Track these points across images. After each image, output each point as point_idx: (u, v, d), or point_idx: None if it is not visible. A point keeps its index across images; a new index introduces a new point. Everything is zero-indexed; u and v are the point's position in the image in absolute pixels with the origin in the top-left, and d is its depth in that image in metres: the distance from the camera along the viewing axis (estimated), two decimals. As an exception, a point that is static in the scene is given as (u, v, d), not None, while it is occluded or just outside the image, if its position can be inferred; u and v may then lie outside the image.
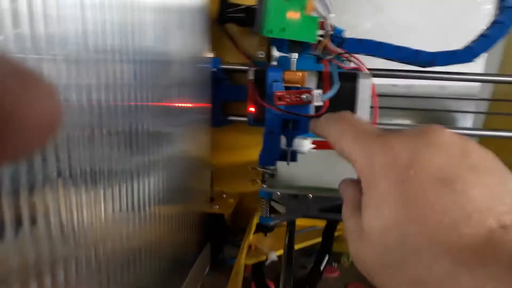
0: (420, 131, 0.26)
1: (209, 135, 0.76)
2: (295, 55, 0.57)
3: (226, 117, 0.81)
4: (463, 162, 0.24)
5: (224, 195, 0.86)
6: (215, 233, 0.82)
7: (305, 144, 0.60)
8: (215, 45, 0.76)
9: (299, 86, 0.56)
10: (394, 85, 1.54)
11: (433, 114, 1.12)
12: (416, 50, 0.67)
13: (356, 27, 1.42)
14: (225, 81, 0.77)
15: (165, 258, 0.57)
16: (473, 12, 1.20)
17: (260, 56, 0.77)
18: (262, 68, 0.61)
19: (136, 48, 0.43)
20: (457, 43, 1.20)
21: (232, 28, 0.73)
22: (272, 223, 0.67)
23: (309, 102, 0.54)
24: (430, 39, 1.39)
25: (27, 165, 0.26)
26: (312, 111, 0.55)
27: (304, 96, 0.54)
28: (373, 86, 0.61)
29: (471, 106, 1.04)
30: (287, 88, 0.55)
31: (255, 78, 0.58)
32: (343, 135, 0.31)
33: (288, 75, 0.56)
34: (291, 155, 0.60)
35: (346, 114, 0.35)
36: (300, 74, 0.56)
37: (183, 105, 0.60)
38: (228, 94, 0.78)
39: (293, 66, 0.57)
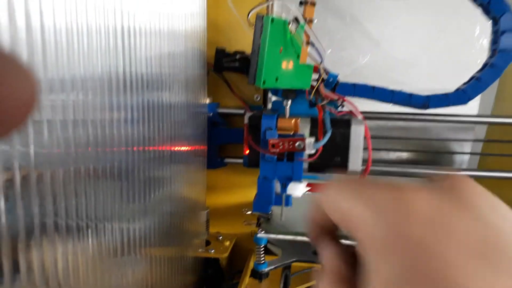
0: (446, 184, 0.20)
1: (204, 177, 0.77)
2: (288, 102, 0.59)
3: (222, 159, 0.81)
4: (503, 230, 0.18)
5: (220, 237, 0.85)
6: (210, 276, 0.82)
7: (299, 188, 0.61)
8: (213, 90, 0.78)
9: (293, 133, 0.58)
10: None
11: (431, 143, 1.14)
12: (410, 94, 0.68)
13: (355, 62, 1.45)
14: (222, 125, 0.79)
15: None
16: (470, 46, 1.22)
17: (256, 99, 0.79)
18: (258, 113, 0.62)
19: (133, 94, 0.45)
20: (454, 77, 1.23)
21: (229, 73, 0.75)
22: (266, 269, 0.67)
23: (302, 149, 0.55)
24: (428, 73, 1.42)
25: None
26: (305, 156, 0.57)
27: (297, 144, 0.55)
28: (366, 128, 0.62)
29: (469, 135, 1.06)
30: (281, 135, 0.57)
31: (250, 123, 0.59)
32: (340, 191, 0.22)
33: (281, 123, 0.58)
34: (286, 200, 0.61)
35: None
36: (293, 121, 0.58)
37: (178, 148, 0.61)
38: (225, 137, 0.79)
39: (287, 112, 0.59)
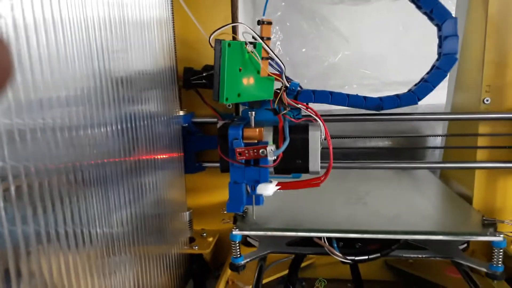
0: None
1: (183, 181, 0.85)
2: (253, 113, 0.65)
3: (200, 164, 0.88)
4: None
5: (205, 234, 0.93)
6: (196, 270, 0.89)
7: (269, 188, 0.68)
8: (188, 100, 0.85)
9: (257, 141, 0.64)
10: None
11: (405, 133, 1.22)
12: (365, 97, 0.75)
13: (327, 60, 1.51)
14: (197, 133, 0.86)
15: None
16: (435, 40, 1.29)
17: (229, 107, 0.86)
18: (226, 124, 0.69)
19: (111, 110, 0.52)
20: (421, 69, 1.30)
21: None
22: (243, 262, 0.74)
23: (265, 155, 0.62)
24: (396, 66, 1.49)
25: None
26: (270, 162, 0.63)
27: (261, 151, 0.62)
28: (326, 129, 0.69)
29: (439, 125, 1.13)
30: (247, 143, 0.63)
31: (219, 133, 0.66)
32: None
33: (247, 132, 0.64)
34: (256, 199, 0.68)
35: None
36: (257, 130, 0.64)
37: (156, 157, 0.69)
38: (201, 144, 0.86)
39: (252, 122, 0.65)
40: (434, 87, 0.73)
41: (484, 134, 0.82)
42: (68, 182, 0.42)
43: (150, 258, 0.67)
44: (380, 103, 0.74)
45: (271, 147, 0.61)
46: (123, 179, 0.57)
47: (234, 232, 0.73)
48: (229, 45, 0.58)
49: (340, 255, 0.71)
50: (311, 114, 0.70)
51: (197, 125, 0.87)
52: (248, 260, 0.75)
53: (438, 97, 1.01)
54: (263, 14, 0.66)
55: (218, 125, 0.76)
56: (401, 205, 0.83)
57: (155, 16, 0.69)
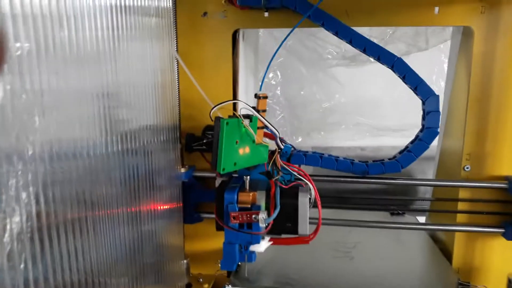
0: None
1: (181, 231, 0.90)
2: (247, 177, 0.71)
3: (199, 214, 0.94)
4: None
5: (201, 279, 0.98)
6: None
7: (261, 245, 0.73)
8: (191, 156, 0.91)
9: (251, 205, 0.70)
10: (362, 149, 1.69)
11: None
12: (352, 161, 0.81)
13: (321, 102, 1.58)
14: (197, 186, 0.92)
15: None
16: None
17: None
18: (225, 180, 0.75)
19: (116, 164, 0.59)
20: (416, 115, 1.35)
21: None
22: None
23: (258, 221, 0.67)
24: (392, 111, 1.55)
25: None
26: (261, 229, 0.69)
27: (253, 216, 0.67)
28: (316, 190, 0.74)
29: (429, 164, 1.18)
30: (241, 208, 0.69)
31: (216, 195, 0.72)
32: None
33: (241, 197, 0.70)
34: (249, 257, 0.73)
35: None
36: (251, 195, 0.70)
37: (155, 207, 0.75)
38: (200, 197, 0.92)
39: (247, 185, 0.71)
40: (417, 157, 0.79)
41: (463, 200, 0.88)
42: (72, 226, 0.47)
43: None
44: (366, 169, 0.80)
45: (263, 215, 0.66)
46: (123, 227, 0.62)
47: None
48: (227, 123, 0.65)
49: None
50: (302, 178, 0.76)
51: (197, 179, 0.93)
52: None
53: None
54: (260, 89, 0.72)
55: (217, 182, 0.82)
56: (385, 261, 0.88)
57: (162, 80, 0.76)
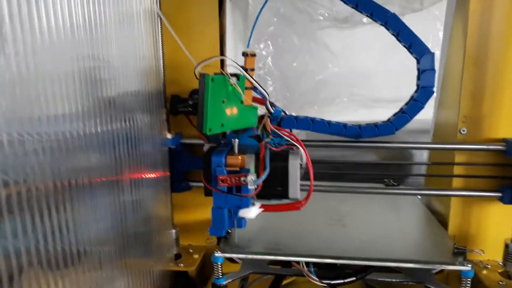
0: None
1: (169, 200, 0.88)
2: (236, 141, 0.68)
3: (188, 183, 0.91)
4: None
5: (191, 250, 0.95)
6: (181, 286, 0.92)
7: (251, 211, 0.70)
8: (177, 121, 0.88)
9: (240, 168, 0.67)
10: (357, 123, 1.66)
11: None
12: (344, 125, 0.78)
13: (317, 74, 1.54)
14: (185, 154, 0.89)
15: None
16: None
17: None
18: (211, 149, 0.72)
19: (99, 131, 0.56)
20: (409, 86, 1.32)
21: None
22: (224, 282, 0.77)
23: (247, 184, 0.65)
24: (384, 83, 1.52)
25: None
26: (250, 191, 0.66)
27: (242, 179, 0.65)
28: (307, 155, 0.72)
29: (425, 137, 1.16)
30: (229, 171, 0.66)
31: (204, 160, 0.69)
32: None
33: (230, 160, 0.67)
34: (238, 223, 0.71)
35: None
36: (240, 158, 0.67)
37: (142, 176, 0.73)
38: (188, 165, 0.89)
39: (235, 149, 0.68)
40: (411, 118, 0.76)
41: (459, 163, 0.86)
42: (55, 198, 0.45)
43: (135, 274, 0.70)
44: (359, 132, 0.77)
45: (251, 177, 0.64)
46: (109, 196, 0.60)
47: (216, 255, 0.76)
48: (212, 80, 0.62)
49: (316, 279, 0.74)
50: (293, 142, 0.73)
51: (185, 146, 0.90)
52: (230, 280, 0.78)
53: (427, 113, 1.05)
54: (247, 46, 0.69)
55: (205, 148, 0.79)
56: (378, 228, 0.86)
57: (145, 40, 0.73)
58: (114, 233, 0.63)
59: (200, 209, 0.97)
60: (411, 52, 0.75)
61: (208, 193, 0.71)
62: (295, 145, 0.72)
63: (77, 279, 0.51)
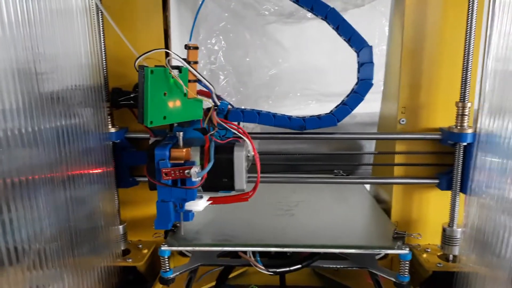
0: None
1: (114, 195, 0.87)
2: (180, 134, 0.68)
3: (134, 178, 0.90)
4: None
5: (140, 245, 0.95)
6: (131, 282, 0.91)
7: (199, 204, 0.71)
8: (122, 116, 0.87)
9: (184, 161, 0.67)
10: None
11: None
12: (289, 117, 0.79)
13: (270, 69, 1.56)
14: (130, 148, 0.88)
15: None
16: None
17: None
18: (159, 139, 0.72)
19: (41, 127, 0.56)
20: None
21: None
22: (172, 275, 0.77)
23: (190, 176, 0.65)
24: (334, 77, 1.55)
25: None
26: (195, 183, 0.67)
27: (186, 172, 0.65)
28: (253, 146, 0.72)
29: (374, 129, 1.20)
30: (174, 164, 0.66)
31: (148, 153, 0.68)
32: None
33: (174, 152, 0.67)
34: (185, 216, 0.71)
35: None
36: (184, 151, 0.67)
37: (83, 171, 0.72)
38: (134, 160, 0.88)
39: (180, 142, 0.68)
40: (352, 109, 0.78)
41: (399, 152, 0.90)
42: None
43: (79, 271, 0.69)
44: (303, 124, 0.79)
45: (195, 169, 0.64)
46: (51, 193, 0.59)
47: (162, 248, 0.76)
48: (151, 72, 0.61)
49: (263, 267, 0.76)
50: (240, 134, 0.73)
51: (131, 140, 0.89)
52: (178, 273, 0.79)
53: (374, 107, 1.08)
54: (190, 40, 0.69)
55: (150, 142, 0.79)
56: (326, 218, 0.88)
57: (80, 31, 0.71)
58: (58, 230, 0.62)
59: (148, 205, 0.96)
60: (351, 46, 0.77)
61: (152, 187, 0.70)
62: (242, 138, 0.73)
63: (20, 277, 0.50)
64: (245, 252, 0.77)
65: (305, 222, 0.85)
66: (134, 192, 0.93)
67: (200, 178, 0.65)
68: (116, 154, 0.86)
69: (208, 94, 0.73)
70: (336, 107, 0.81)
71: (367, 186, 1.11)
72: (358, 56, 0.77)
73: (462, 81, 0.78)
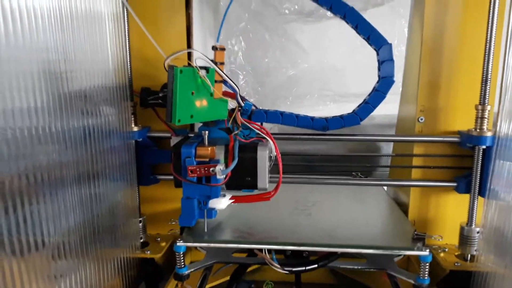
0: None
1: (135, 192, 0.91)
2: (206, 132, 0.71)
3: (155, 176, 0.94)
4: None
5: (159, 239, 0.99)
6: (149, 274, 0.95)
7: (222, 202, 0.73)
8: (145, 114, 0.90)
9: (209, 159, 0.70)
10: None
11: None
12: (312, 118, 0.81)
13: (288, 70, 1.58)
14: (152, 147, 0.92)
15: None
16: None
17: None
18: (181, 141, 0.74)
19: (67, 126, 0.59)
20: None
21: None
22: (186, 272, 0.80)
23: (215, 174, 0.67)
24: (352, 79, 1.57)
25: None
26: (219, 181, 0.69)
27: (211, 169, 0.67)
28: (276, 147, 0.75)
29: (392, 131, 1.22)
30: (199, 162, 0.69)
31: (173, 151, 0.71)
32: None
33: (200, 151, 0.70)
34: (209, 213, 0.74)
35: None
36: (209, 149, 0.70)
37: (107, 168, 0.75)
38: (155, 158, 0.92)
39: (206, 141, 0.71)
40: (374, 107, 0.80)
41: (417, 155, 0.92)
42: (21, 188, 0.48)
43: (100, 261, 0.73)
44: (326, 124, 0.81)
45: (220, 166, 0.67)
46: (75, 188, 0.63)
47: (178, 244, 0.78)
48: (181, 71, 0.64)
49: (279, 266, 0.78)
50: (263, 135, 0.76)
51: (152, 139, 0.92)
52: (192, 270, 0.82)
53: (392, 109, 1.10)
54: (217, 41, 0.72)
55: (172, 142, 0.82)
56: (343, 217, 0.90)
57: (107, 31, 0.74)
58: (82, 223, 0.65)
59: (167, 201, 1.00)
60: (370, 44, 0.79)
61: (178, 184, 0.73)
62: (265, 138, 0.75)
63: (45, 265, 0.54)
64: (260, 250, 0.79)
65: (322, 222, 0.87)
66: (154, 190, 0.96)
67: (224, 176, 0.68)
68: (138, 152, 0.89)
69: (232, 95, 0.75)
70: (358, 106, 0.82)
71: (385, 189, 1.13)
72: (378, 54, 0.79)
73: (482, 83, 0.79)
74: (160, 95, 0.80)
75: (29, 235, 0.50)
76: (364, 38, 0.78)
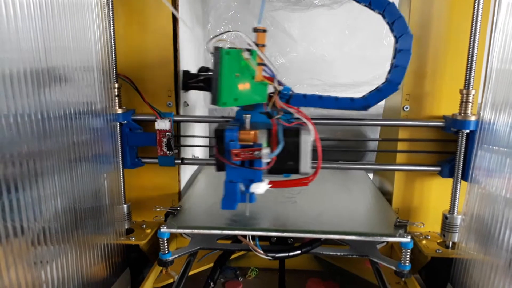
0: None
1: (120, 176, 0.95)
2: (248, 116, 0.74)
3: (140, 159, 0.97)
4: None
5: (144, 225, 1.02)
6: (134, 260, 0.98)
7: (261, 186, 0.76)
8: (130, 98, 0.94)
9: (252, 143, 0.74)
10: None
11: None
12: (351, 98, 0.85)
13: (277, 59, 1.63)
14: (138, 130, 0.95)
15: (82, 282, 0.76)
16: (379, 43, 1.49)
17: (169, 106, 0.97)
18: (221, 125, 0.76)
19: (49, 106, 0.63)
20: (365, 71, 1.45)
21: (143, 82, 0.92)
22: (170, 258, 0.86)
23: (260, 157, 0.72)
24: (343, 68, 1.66)
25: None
26: (264, 164, 0.74)
27: (256, 153, 0.72)
28: (316, 132, 0.78)
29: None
30: (242, 145, 0.73)
31: (216, 135, 0.74)
32: None
33: (242, 135, 0.74)
34: (250, 197, 0.78)
35: None
36: (252, 133, 0.74)
37: (89, 151, 0.78)
38: (141, 141, 0.95)
39: (247, 125, 0.75)
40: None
41: (401, 140, 1.02)
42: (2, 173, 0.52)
43: (84, 247, 0.77)
44: (367, 102, 0.84)
45: (266, 150, 0.72)
46: (56, 173, 0.66)
47: (162, 230, 0.83)
48: (227, 53, 0.69)
49: (262, 252, 0.85)
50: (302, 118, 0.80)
51: (138, 122, 0.95)
52: (176, 256, 0.87)
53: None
54: (259, 22, 0.75)
55: (157, 124, 0.90)
56: (328, 205, 0.98)
57: (94, 20, 0.78)
58: (63, 210, 0.69)
59: (153, 187, 1.04)
60: (392, 30, 0.82)
61: (220, 168, 0.76)
62: (304, 122, 0.79)
63: (25, 253, 0.58)
64: (244, 237, 0.85)
65: (307, 209, 0.94)
66: (138, 173, 0.99)
67: (270, 159, 0.72)
68: (122, 135, 0.92)
69: (269, 78, 0.79)
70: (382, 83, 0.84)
71: (371, 178, 1.24)
72: (397, 42, 0.82)
73: (467, 68, 0.86)
74: (201, 78, 0.81)
75: (7, 221, 0.53)
76: (388, 23, 0.82)
